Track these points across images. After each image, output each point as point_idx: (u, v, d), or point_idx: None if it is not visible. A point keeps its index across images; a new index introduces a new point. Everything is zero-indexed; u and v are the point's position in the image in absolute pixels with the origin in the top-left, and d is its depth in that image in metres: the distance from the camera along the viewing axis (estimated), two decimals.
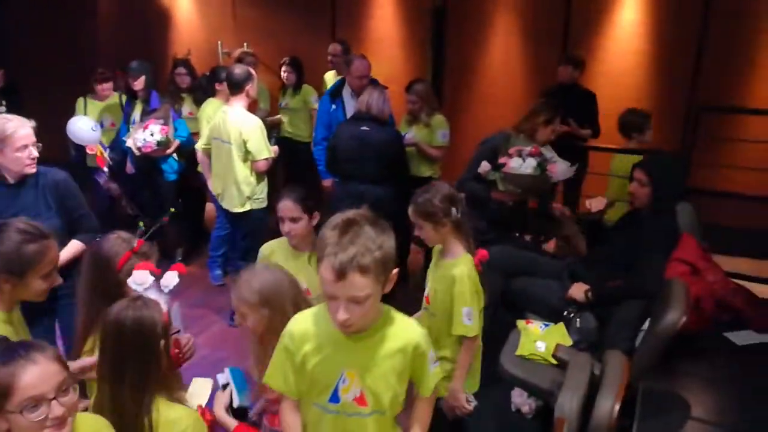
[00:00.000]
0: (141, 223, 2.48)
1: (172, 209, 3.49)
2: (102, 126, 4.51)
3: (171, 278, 1.70)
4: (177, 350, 1.69)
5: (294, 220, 2.34)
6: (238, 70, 3.65)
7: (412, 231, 4.27)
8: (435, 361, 1.56)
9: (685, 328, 2.31)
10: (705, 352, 2.92)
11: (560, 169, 3.17)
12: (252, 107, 3.74)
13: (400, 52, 5.42)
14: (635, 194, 2.79)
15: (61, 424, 1.26)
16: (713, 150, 4.44)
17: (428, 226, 2.09)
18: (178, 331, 1.76)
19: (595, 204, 3.12)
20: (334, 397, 1.49)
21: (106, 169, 4.34)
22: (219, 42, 5.61)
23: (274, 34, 5.03)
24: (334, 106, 4.18)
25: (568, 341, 2.65)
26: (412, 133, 4.07)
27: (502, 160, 3.18)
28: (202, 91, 4.56)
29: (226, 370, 1.94)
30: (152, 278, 1.66)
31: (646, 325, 2.54)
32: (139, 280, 1.65)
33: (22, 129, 2.32)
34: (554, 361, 2.54)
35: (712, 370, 2.82)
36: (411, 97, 4.07)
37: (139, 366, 1.47)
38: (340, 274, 1.30)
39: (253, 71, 3.73)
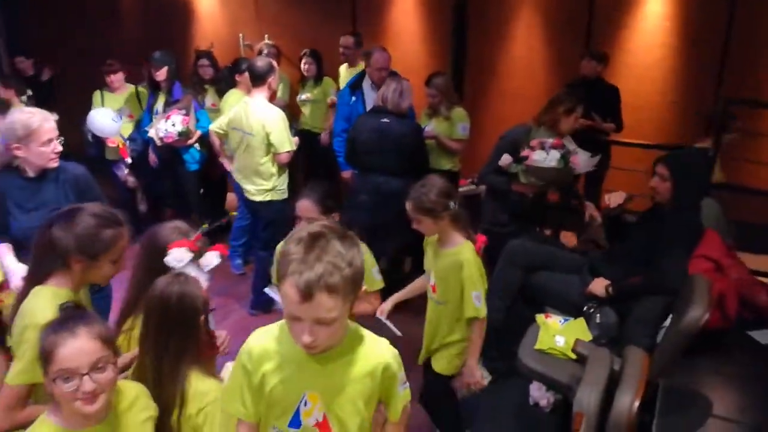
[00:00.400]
0: (204, 225, 2.50)
1: (233, 212, 3.51)
2: (120, 118, 4.57)
3: (211, 258, 1.77)
4: (214, 340, 1.76)
5: (311, 221, 2.31)
6: (261, 62, 3.68)
7: None
8: (404, 383, 1.42)
9: (708, 326, 2.28)
10: (728, 350, 2.88)
11: (582, 160, 3.14)
12: (271, 98, 3.76)
13: (420, 45, 5.40)
14: (657, 189, 2.75)
15: (92, 400, 1.33)
16: (739, 145, 4.35)
17: (428, 220, 2.16)
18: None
19: (614, 198, 3.06)
20: (295, 422, 1.36)
21: (129, 160, 4.40)
22: (240, 34, 5.65)
23: (295, 26, 5.04)
24: (353, 98, 4.19)
25: (588, 336, 2.63)
26: (431, 126, 4.06)
27: (524, 153, 3.16)
28: (225, 82, 4.59)
29: None
30: (190, 256, 1.73)
31: (668, 321, 2.52)
32: (177, 257, 1.71)
33: (46, 123, 2.35)
34: (573, 356, 2.52)
35: (735, 368, 2.78)
36: (430, 90, 4.06)
37: (181, 338, 1.57)
38: (306, 294, 1.16)
39: (275, 64, 3.75)
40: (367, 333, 1.40)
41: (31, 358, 1.54)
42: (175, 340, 1.56)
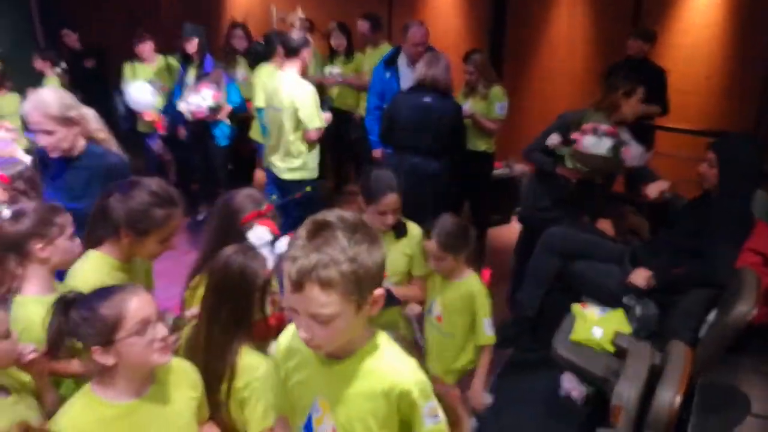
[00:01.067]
0: (274, 197, 2.52)
1: (308, 188, 3.47)
2: (156, 91, 4.57)
3: (284, 242, 1.73)
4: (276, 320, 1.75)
5: (395, 211, 2.30)
6: (296, 35, 3.64)
7: (457, 207, 4.21)
8: (433, 416, 1.24)
9: (753, 322, 2.18)
10: None
11: (634, 153, 2.99)
12: (302, 74, 3.70)
13: (457, 20, 5.26)
14: (704, 175, 2.63)
15: (167, 348, 1.39)
16: None
17: (450, 258, 2.19)
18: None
19: (653, 190, 2.89)
20: (308, 427, 1.30)
21: (164, 133, 4.41)
22: (273, 7, 5.57)
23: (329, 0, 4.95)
24: (388, 74, 4.08)
25: (627, 328, 2.54)
26: (468, 105, 3.96)
27: (574, 136, 3.01)
28: (256, 56, 4.53)
29: None
30: (270, 237, 1.75)
31: (711, 315, 2.42)
32: (259, 234, 1.74)
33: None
34: (611, 349, 2.45)
35: None
36: (468, 67, 3.96)
37: (234, 309, 1.59)
38: (296, 283, 1.09)
39: (310, 38, 3.68)
40: (390, 348, 1.26)
41: None
42: (228, 309, 1.59)
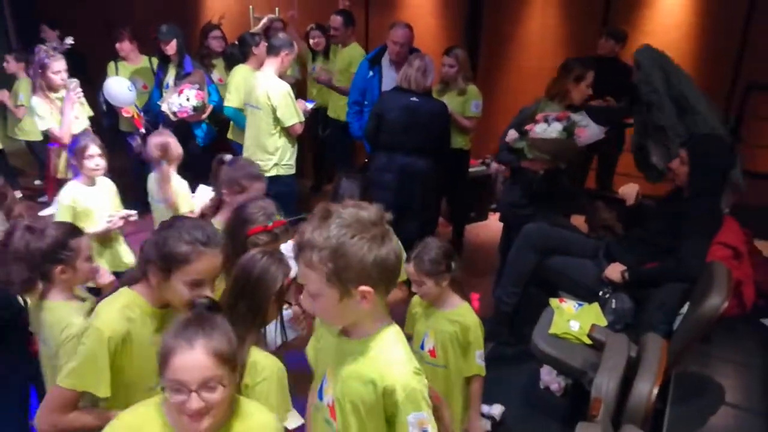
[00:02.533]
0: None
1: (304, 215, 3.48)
2: (134, 87, 4.51)
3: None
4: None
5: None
6: (282, 35, 3.77)
7: (440, 203, 4.24)
8: (419, 427, 1.24)
9: (723, 313, 2.27)
10: (740, 337, 2.88)
11: (590, 131, 3.06)
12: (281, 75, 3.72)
13: (433, 19, 5.30)
14: (675, 172, 2.72)
15: (198, 418, 1.21)
16: (757, 130, 4.29)
17: (430, 282, 2.09)
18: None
19: (629, 194, 2.96)
20: (320, 393, 1.39)
21: (143, 131, 4.35)
22: (250, 7, 5.54)
23: (306, 0, 4.95)
24: (371, 73, 4.11)
25: (603, 322, 2.62)
26: (444, 102, 4.00)
27: (527, 127, 3.11)
28: (232, 58, 4.49)
29: None
30: None
31: (685, 308, 2.50)
32: (290, 247, 1.76)
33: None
34: (588, 341, 2.52)
35: (748, 356, 2.78)
36: (449, 59, 3.99)
37: (248, 309, 1.62)
38: (296, 256, 1.25)
39: (295, 43, 3.76)
40: (395, 344, 1.29)
41: (82, 362, 1.50)
42: (245, 304, 1.63)
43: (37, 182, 5.63)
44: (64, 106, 3.70)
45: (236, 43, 4.42)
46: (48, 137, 3.90)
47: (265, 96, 3.57)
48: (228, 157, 2.56)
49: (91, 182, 2.84)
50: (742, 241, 2.86)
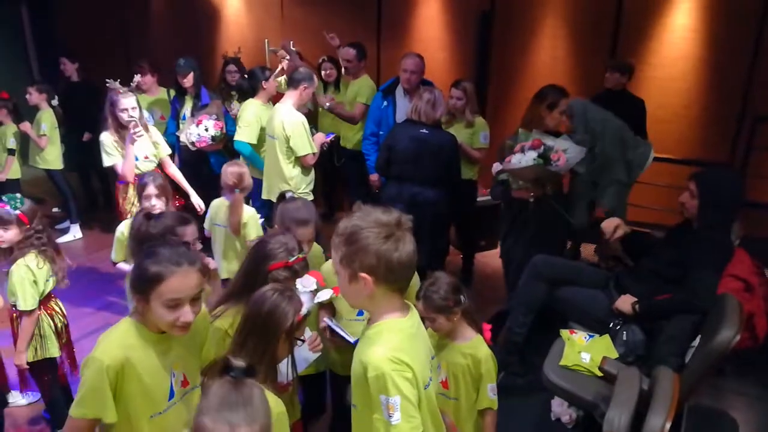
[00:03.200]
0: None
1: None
2: (152, 118, 4.63)
3: (325, 294, 1.90)
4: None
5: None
6: (302, 69, 3.89)
7: (449, 233, 4.29)
8: (390, 414, 1.34)
9: (737, 346, 2.26)
10: (754, 370, 2.86)
11: (570, 154, 3.12)
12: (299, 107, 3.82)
13: (444, 53, 5.40)
14: (685, 204, 2.73)
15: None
16: (765, 161, 4.31)
17: (441, 318, 2.10)
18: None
19: (606, 227, 2.95)
20: None
21: None
22: (266, 40, 5.69)
23: (320, 32, 5.06)
24: (385, 103, 4.22)
25: (614, 354, 2.62)
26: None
27: (506, 159, 3.18)
28: (242, 91, 4.51)
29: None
30: (314, 287, 1.86)
31: (697, 341, 2.50)
32: (306, 284, 1.85)
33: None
34: (599, 373, 2.51)
35: (762, 389, 2.76)
36: (457, 92, 4.06)
37: (258, 344, 1.64)
38: None
39: (315, 77, 3.88)
40: (391, 333, 1.43)
41: (86, 391, 1.54)
42: (254, 340, 1.64)
43: (55, 209, 5.75)
44: (126, 144, 3.68)
45: (246, 76, 4.48)
46: (114, 173, 3.84)
47: (280, 126, 3.70)
48: (290, 194, 2.63)
49: None
50: (753, 273, 2.85)
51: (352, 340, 2.20)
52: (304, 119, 3.75)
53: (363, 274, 1.39)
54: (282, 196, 2.57)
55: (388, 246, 1.38)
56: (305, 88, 3.77)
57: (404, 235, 1.43)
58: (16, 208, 2.53)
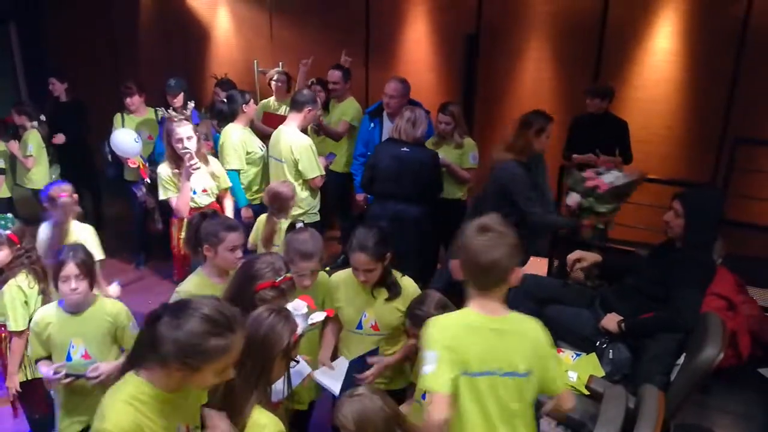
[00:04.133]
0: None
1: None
2: (140, 139, 4.63)
3: (318, 316, 1.93)
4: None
5: (369, 271, 2.35)
6: (306, 91, 3.91)
7: (438, 251, 4.33)
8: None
9: (721, 364, 2.29)
10: (738, 388, 2.88)
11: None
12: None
13: (431, 76, 5.49)
14: (669, 224, 2.76)
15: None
16: (745, 181, 4.40)
17: None
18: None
19: (569, 260, 3.10)
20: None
21: (147, 180, 4.45)
22: (255, 61, 5.75)
23: (308, 54, 5.11)
24: (372, 125, 4.28)
25: (600, 372, 2.63)
26: (442, 155, 4.12)
27: (590, 184, 3.18)
28: (221, 115, 4.47)
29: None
30: (306, 310, 1.87)
31: (681, 359, 2.53)
32: (297, 306, 1.86)
33: None
34: (586, 392, 2.53)
35: (746, 407, 2.77)
36: (445, 117, 4.11)
37: (254, 367, 1.65)
38: None
39: (318, 98, 3.93)
40: (456, 315, 1.78)
41: None
42: (251, 361, 1.64)
43: None
44: (182, 177, 3.44)
45: (224, 101, 4.41)
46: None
47: (288, 150, 3.73)
48: (300, 225, 2.65)
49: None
50: (735, 291, 2.90)
51: (336, 392, 2.27)
52: (311, 142, 3.82)
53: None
54: (292, 226, 2.56)
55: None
56: (309, 111, 3.81)
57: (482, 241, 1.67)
58: (6, 228, 2.53)
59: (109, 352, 2.42)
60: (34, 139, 5.01)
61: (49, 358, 2.39)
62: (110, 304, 2.46)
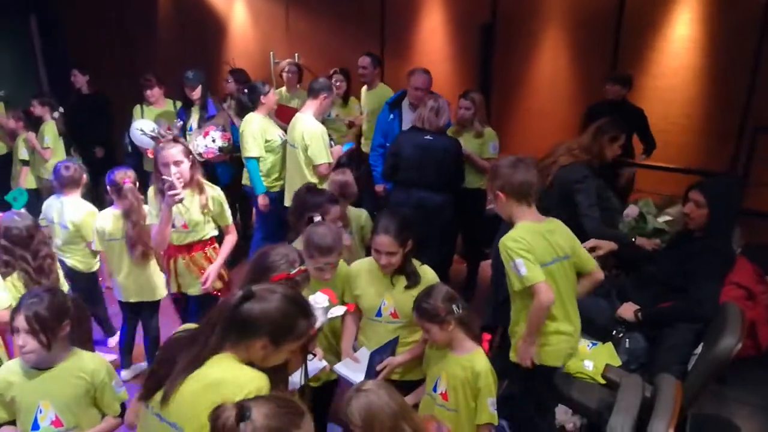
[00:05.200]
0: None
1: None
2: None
3: (338, 310, 1.96)
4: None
5: (391, 254, 2.34)
6: (321, 79, 3.98)
7: (456, 240, 4.35)
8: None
9: (739, 355, 2.29)
10: (756, 378, 2.87)
11: None
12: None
13: (448, 66, 5.46)
14: (691, 215, 2.72)
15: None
16: (764, 170, 4.34)
17: (435, 328, 2.12)
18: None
19: (649, 244, 3.11)
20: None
21: None
22: (271, 52, 5.77)
23: (324, 45, 5.14)
24: (392, 116, 4.29)
25: (617, 361, 2.64)
26: (462, 145, 4.11)
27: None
28: (241, 105, 4.50)
29: None
30: (327, 304, 1.89)
31: (699, 349, 2.52)
32: (319, 300, 1.88)
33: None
34: (602, 381, 2.54)
35: (764, 398, 2.76)
36: (465, 102, 4.10)
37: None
38: None
39: (333, 86, 3.99)
40: (518, 229, 2.30)
41: None
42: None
43: None
44: (162, 206, 2.78)
45: (245, 90, 4.46)
46: None
47: (300, 136, 3.83)
48: (318, 218, 2.59)
49: None
50: (755, 281, 2.88)
51: (355, 381, 2.26)
52: (323, 129, 3.87)
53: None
54: (311, 220, 2.56)
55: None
56: (324, 98, 3.90)
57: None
58: (21, 205, 2.54)
59: (85, 416, 2.04)
60: (50, 130, 5.08)
61: (13, 422, 2.01)
62: (89, 358, 2.06)
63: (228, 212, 3.04)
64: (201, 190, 2.91)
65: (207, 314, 1.59)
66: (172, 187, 2.66)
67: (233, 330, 1.51)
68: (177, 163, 2.78)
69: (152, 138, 3.22)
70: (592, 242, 2.93)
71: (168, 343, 1.64)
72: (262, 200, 4.14)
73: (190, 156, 2.88)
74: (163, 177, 2.74)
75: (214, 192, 2.97)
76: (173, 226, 2.85)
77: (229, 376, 1.46)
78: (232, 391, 1.40)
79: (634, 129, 4.43)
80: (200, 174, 2.93)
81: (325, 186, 3.90)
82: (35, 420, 1.95)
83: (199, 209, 2.90)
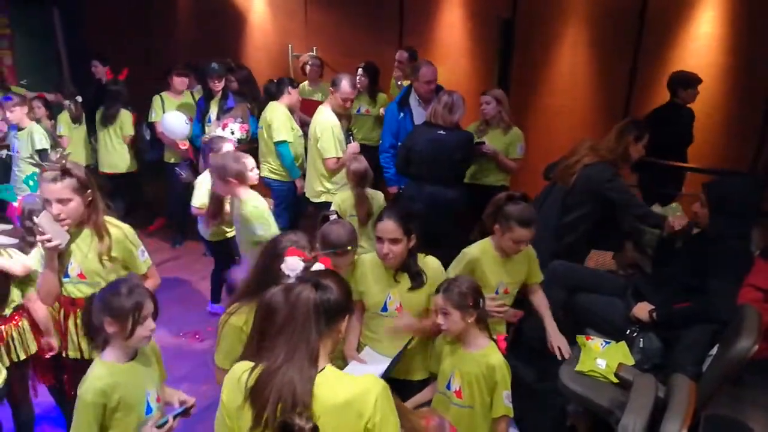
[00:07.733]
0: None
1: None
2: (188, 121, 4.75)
3: (317, 266, 1.79)
4: None
5: (394, 241, 2.29)
6: (342, 74, 4.06)
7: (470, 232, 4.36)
8: None
9: (755, 357, 2.26)
10: None
11: None
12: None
13: (466, 61, 5.44)
14: (698, 214, 2.76)
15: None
16: None
17: (457, 315, 2.12)
18: None
19: (678, 221, 3.10)
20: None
21: (194, 160, 4.61)
22: (290, 45, 5.78)
23: (343, 38, 5.14)
24: (402, 114, 4.26)
25: (630, 360, 2.62)
26: (488, 143, 4.10)
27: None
28: (268, 94, 4.60)
29: None
30: (302, 265, 1.74)
31: (714, 350, 2.50)
32: (291, 266, 1.74)
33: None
34: (615, 380, 2.52)
35: None
36: (486, 97, 4.10)
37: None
38: None
39: (354, 82, 4.07)
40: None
41: None
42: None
43: None
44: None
45: (274, 81, 4.59)
46: None
47: (314, 128, 3.93)
48: (333, 216, 2.56)
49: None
50: None
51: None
52: (335, 123, 3.91)
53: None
54: (325, 218, 2.52)
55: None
56: (332, 92, 3.96)
57: None
58: (11, 198, 2.58)
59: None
60: (63, 119, 5.16)
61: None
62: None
63: (141, 257, 2.41)
64: (101, 233, 2.29)
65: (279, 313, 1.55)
66: (40, 232, 2.14)
67: (322, 320, 1.50)
68: (62, 201, 2.18)
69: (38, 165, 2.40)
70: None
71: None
72: (300, 183, 4.32)
73: (87, 192, 2.24)
74: (35, 220, 2.17)
75: (121, 233, 2.35)
76: (66, 275, 2.29)
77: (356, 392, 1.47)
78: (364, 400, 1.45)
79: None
80: (101, 213, 2.30)
81: (335, 179, 3.98)
82: (147, 404, 1.94)
83: (96, 257, 2.28)
